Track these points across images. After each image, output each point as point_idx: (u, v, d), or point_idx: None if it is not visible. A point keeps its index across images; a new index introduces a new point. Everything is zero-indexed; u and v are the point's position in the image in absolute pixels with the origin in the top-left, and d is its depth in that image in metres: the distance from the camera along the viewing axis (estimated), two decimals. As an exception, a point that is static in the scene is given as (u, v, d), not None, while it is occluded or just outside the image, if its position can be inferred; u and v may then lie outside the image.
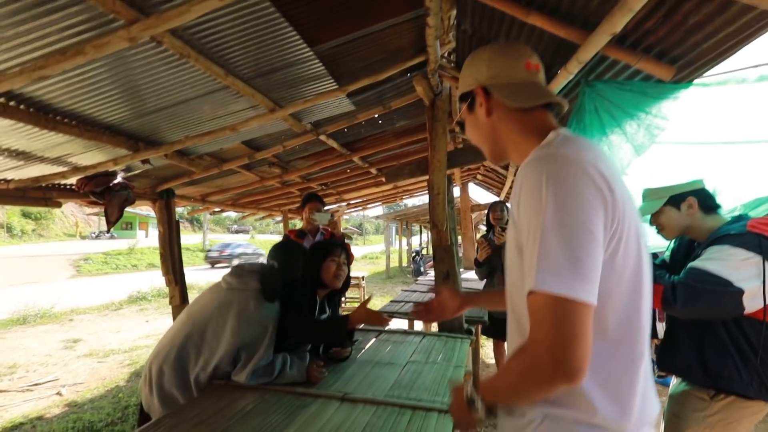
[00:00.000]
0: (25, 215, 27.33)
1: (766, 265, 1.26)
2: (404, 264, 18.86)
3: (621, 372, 0.68)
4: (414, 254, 15.49)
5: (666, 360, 1.50)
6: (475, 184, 8.74)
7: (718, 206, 1.48)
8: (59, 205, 2.66)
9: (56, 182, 2.61)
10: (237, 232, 58.97)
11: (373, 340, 2.13)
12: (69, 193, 2.67)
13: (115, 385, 4.27)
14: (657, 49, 1.29)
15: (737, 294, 1.24)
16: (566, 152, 0.67)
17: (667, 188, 1.52)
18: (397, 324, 3.69)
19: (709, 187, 1.50)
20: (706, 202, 1.47)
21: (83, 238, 29.94)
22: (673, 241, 1.66)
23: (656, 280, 1.32)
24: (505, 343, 3.14)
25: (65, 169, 2.40)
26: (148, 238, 31.20)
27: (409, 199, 15.29)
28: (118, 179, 2.85)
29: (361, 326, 2.53)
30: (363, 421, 1.30)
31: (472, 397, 0.77)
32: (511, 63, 0.80)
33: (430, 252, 20.10)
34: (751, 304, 1.26)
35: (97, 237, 30.52)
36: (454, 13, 1.79)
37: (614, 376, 0.67)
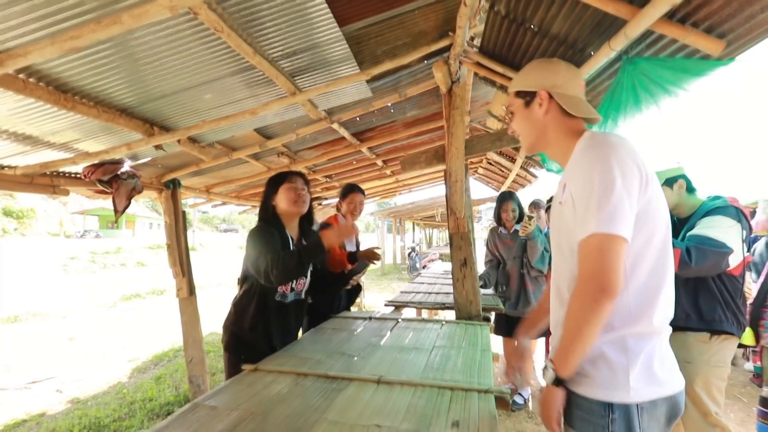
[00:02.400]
0: (7, 214, 26.52)
1: (743, 231, 1.66)
2: (398, 261, 18.85)
3: (656, 290, 0.91)
4: (410, 251, 15.48)
5: None
6: (475, 179, 8.64)
7: (695, 188, 1.89)
8: (67, 192, 2.58)
9: (65, 169, 2.53)
10: (226, 231, 58.23)
11: (389, 333, 2.11)
12: (76, 181, 2.58)
13: (118, 381, 4.17)
14: (707, 23, 1.28)
15: (729, 253, 1.62)
16: (610, 139, 0.90)
17: (660, 173, 1.84)
18: (409, 312, 3.90)
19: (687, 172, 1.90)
20: (690, 184, 1.88)
21: (68, 237, 29.19)
22: None
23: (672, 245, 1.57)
24: (515, 342, 3.24)
25: (74, 155, 2.33)
26: (135, 237, 30.62)
27: (400, 197, 15.27)
28: (126, 167, 2.77)
29: (379, 315, 2.52)
30: (404, 402, 1.29)
31: (546, 364, 0.95)
32: (573, 80, 1.01)
33: (424, 249, 20.20)
34: (733, 262, 1.66)
35: (83, 236, 29.85)
36: (487, -8, 1.78)
37: (653, 295, 0.90)
